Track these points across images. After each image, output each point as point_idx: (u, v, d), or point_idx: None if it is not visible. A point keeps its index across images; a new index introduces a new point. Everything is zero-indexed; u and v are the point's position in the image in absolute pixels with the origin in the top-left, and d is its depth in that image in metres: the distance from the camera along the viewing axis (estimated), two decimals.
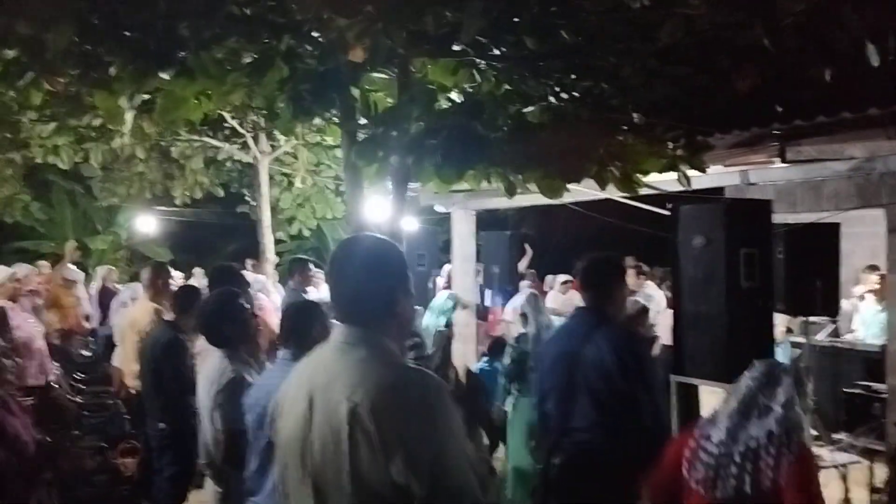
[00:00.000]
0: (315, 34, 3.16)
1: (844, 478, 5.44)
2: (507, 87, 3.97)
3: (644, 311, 4.96)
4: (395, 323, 1.73)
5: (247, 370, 3.22)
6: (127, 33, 3.16)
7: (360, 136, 3.66)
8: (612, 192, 5.16)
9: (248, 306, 3.56)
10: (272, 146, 8.37)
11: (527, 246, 11.64)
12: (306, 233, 10.27)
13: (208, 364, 3.40)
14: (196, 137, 8.39)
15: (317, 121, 4.66)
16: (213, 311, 3.37)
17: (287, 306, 3.99)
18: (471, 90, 3.87)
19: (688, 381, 4.84)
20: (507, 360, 5.35)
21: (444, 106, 3.82)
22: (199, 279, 8.66)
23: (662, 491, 2.50)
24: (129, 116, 3.59)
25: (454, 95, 4.00)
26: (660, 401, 3.14)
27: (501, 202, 7.85)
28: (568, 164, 2.94)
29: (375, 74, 3.76)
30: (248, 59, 3.26)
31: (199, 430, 3.39)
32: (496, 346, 5.84)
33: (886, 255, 4.68)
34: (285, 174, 9.56)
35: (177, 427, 4.11)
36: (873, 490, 5.06)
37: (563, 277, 10.80)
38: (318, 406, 1.66)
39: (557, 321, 5.54)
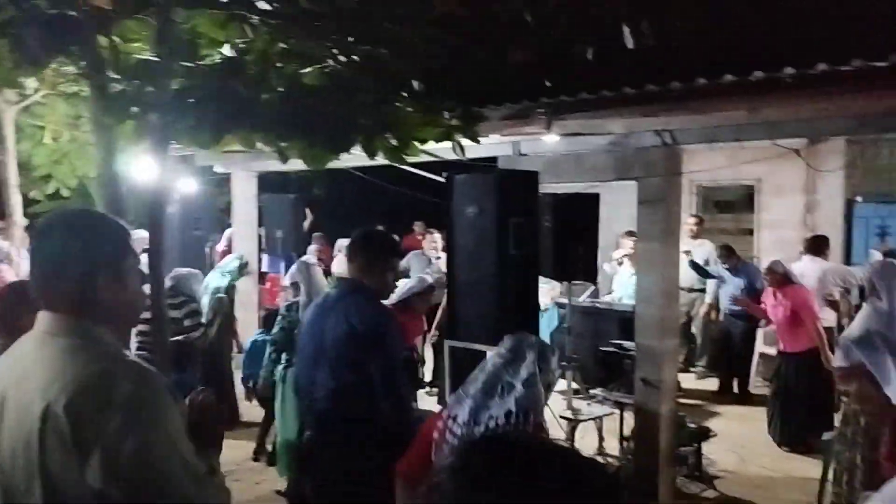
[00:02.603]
0: None
1: (600, 429, 5.95)
2: (283, 46, 3.78)
3: (430, 288, 5.00)
4: (101, 309, 1.51)
5: None
6: None
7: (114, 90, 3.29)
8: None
9: None
10: (21, 95, 7.42)
11: (307, 210, 11.46)
12: (66, 192, 9.28)
13: None
14: None
15: (72, 69, 4.17)
16: None
17: None
18: (243, 46, 3.63)
19: (462, 346, 5.00)
20: (275, 328, 5.21)
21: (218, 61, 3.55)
22: None
23: (414, 473, 2.39)
24: None
25: (228, 51, 3.73)
26: (399, 378, 3.13)
27: (283, 164, 7.60)
28: (335, 132, 2.82)
29: (133, 22, 3.41)
30: None
31: None
32: (270, 317, 5.66)
33: (637, 225, 5.06)
34: (39, 127, 8.55)
35: None
36: (623, 438, 5.57)
37: (344, 241, 10.76)
38: (10, 406, 1.44)
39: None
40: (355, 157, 4.48)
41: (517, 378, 2.35)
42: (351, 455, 2.99)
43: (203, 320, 5.41)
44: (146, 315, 5.04)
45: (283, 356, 5.04)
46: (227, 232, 9.46)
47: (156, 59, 3.13)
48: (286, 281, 5.63)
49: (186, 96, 2.78)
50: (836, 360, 2.43)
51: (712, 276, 8.31)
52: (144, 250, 3.19)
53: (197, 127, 2.67)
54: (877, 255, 7.03)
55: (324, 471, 3.05)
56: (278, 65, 3.61)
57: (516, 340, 2.46)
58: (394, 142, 3.87)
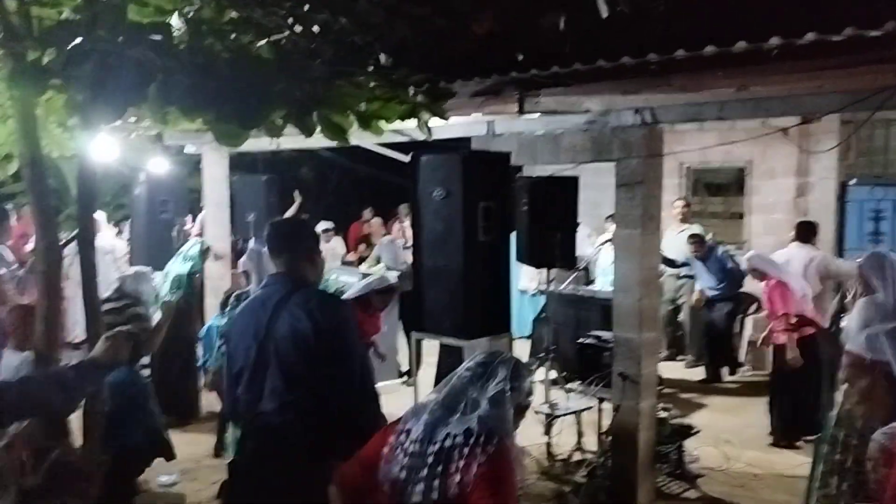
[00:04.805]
0: None
1: (579, 423, 5.68)
2: (233, 15, 3.47)
3: (391, 288, 4.69)
4: None
5: None
6: None
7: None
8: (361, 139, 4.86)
9: None
10: None
11: (296, 194, 11.13)
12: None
13: None
14: None
15: None
16: None
17: None
18: (189, 14, 3.31)
19: (428, 338, 4.72)
20: (224, 319, 4.91)
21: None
22: None
23: (355, 485, 2.15)
24: None
25: (176, 21, 3.41)
26: (368, 378, 2.81)
27: (258, 144, 7.27)
28: (246, 106, 2.50)
29: None
30: None
31: None
32: (227, 302, 5.35)
33: (615, 209, 4.76)
34: None
35: None
36: (602, 434, 5.30)
37: (323, 225, 10.47)
38: None
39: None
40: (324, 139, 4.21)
41: (484, 395, 2.07)
42: (304, 466, 2.64)
43: (149, 324, 5.01)
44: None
45: None
46: (201, 215, 9.14)
47: (67, 23, 2.80)
48: (239, 268, 5.33)
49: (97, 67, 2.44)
50: (855, 348, 2.17)
51: (682, 265, 8.08)
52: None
53: (94, 98, 2.35)
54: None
55: (268, 487, 2.70)
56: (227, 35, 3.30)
57: (489, 356, 2.18)
58: (349, 119, 3.57)
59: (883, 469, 2.47)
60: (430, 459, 1.99)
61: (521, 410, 2.17)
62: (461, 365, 2.20)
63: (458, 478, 1.94)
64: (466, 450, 1.97)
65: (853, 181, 8.95)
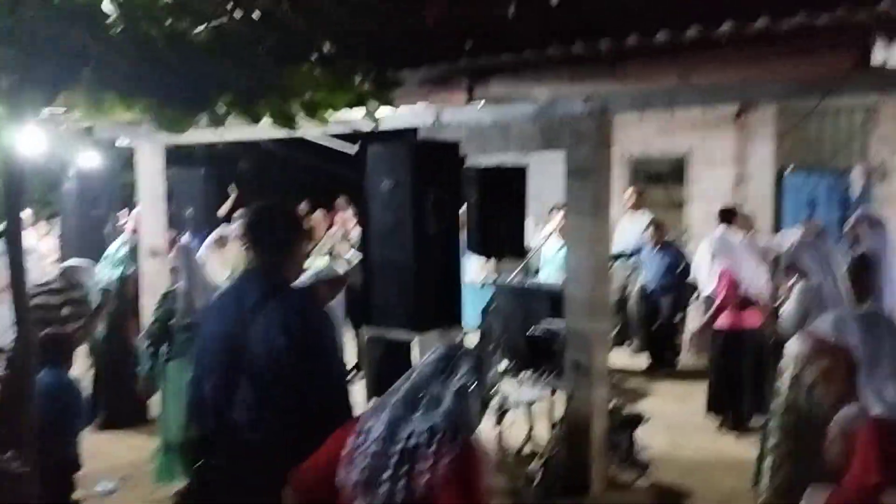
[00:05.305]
0: None
1: (530, 415, 5.66)
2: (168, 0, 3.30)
3: (340, 279, 4.55)
4: None
5: None
6: None
7: None
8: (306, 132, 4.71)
9: None
10: None
11: (231, 187, 10.83)
12: None
13: None
14: None
15: None
16: None
17: None
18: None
19: (378, 333, 4.61)
20: (151, 319, 4.73)
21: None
22: None
23: (310, 488, 2.05)
24: None
25: (107, 6, 3.21)
26: (347, 395, 2.65)
27: (195, 135, 7.01)
28: (192, 92, 2.35)
29: None
30: None
31: None
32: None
33: (566, 198, 4.73)
34: None
35: None
36: (554, 424, 5.28)
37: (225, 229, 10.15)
38: None
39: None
40: (267, 128, 4.04)
41: (447, 390, 1.98)
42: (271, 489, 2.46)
43: (87, 310, 4.86)
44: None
45: (164, 349, 4.59)
46: (135, 210, 8.82)
47: None
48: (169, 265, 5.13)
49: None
50: (819, 330, 2.16)
51: (633, 254, 8.17)
52: None
53: (21, 83, 2.17)
54: (796, 233, 6.93)
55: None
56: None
57: (450, 349, 2.09)
58: (294, 107, 3.45)
59: (843, 449, 2.49)
60: (394, 459, 1.90)
61: (484, 405, 2.10)
62: (409, 361, 2.12)
63: (423, 478, 1.85)
64: (432, 448, 1.89)
65: (789, 169, 9.16)
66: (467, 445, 1.92)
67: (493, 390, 2.13)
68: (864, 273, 4.48)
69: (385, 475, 1.89)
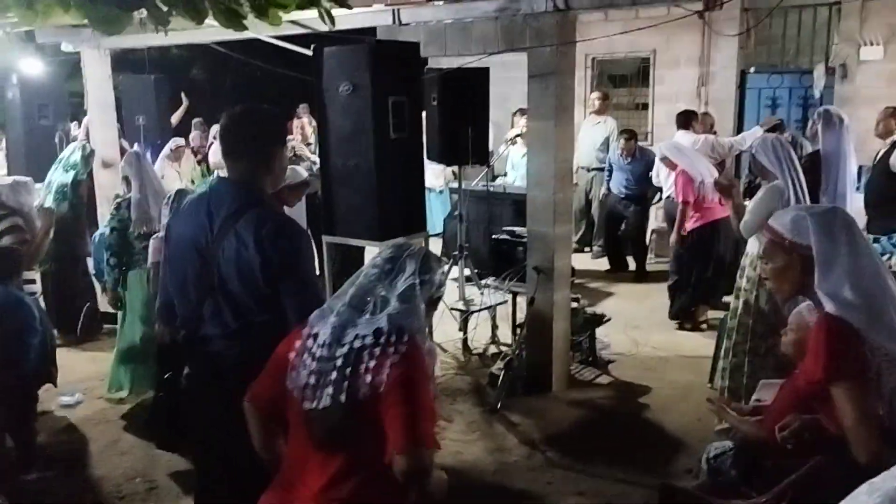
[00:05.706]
0: None
1: (493, 318, 5.74)
2: None
3: (304, 183, 4.43)
4: None
5: None
6: None
7: None
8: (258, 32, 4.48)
9: None
10: None
11: (183, 95, 10.47)
12: None
13: None
14: None
15: None
16: None
17: None
18: None
19: (341, 242, 4.56)
20: (106, 229, 4.63)
21: None
22: None
23: (265, 397, 2.05)
24: None
25: None
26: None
27: (141, 39, 6.67)
28: None
29: None
30: None
31: None
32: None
33: (528, 102, 4.64)
34: None
35: None
36: (516, 327, 5.37)
37: (175, 142, 9.90)
38: None
39: None
40: (219, 31, 3.82)
41: (392, 291, 1.94)
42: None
43: (30, 235, 4.71)
44: None
45: (120, 259, 4.53)
46: (86, 120, 8.49)
47: None
48: (119, 174, 4.97)
49: None
50: (778, 227, 2.18)
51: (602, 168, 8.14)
52: None
53: None
54: (758, 132, 6.94)
55: (210, 413, 2.50)
56: None
57: (396, 249, 2.03)
58: (243, 7, 3.27)
59: (795, 344, 2.57)
60: (339, 362, 1.88)
61: (432, 304, 2.07)
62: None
63: (368, 378, 1.85)
64: (377, 350, 1.87)
65: (752, 69, 9.11)
66: (413, 346, 1.90)
67: (440, 289, 2.05)
68: (816, 171, 4.54)
69: (329, 377, 1.88)
